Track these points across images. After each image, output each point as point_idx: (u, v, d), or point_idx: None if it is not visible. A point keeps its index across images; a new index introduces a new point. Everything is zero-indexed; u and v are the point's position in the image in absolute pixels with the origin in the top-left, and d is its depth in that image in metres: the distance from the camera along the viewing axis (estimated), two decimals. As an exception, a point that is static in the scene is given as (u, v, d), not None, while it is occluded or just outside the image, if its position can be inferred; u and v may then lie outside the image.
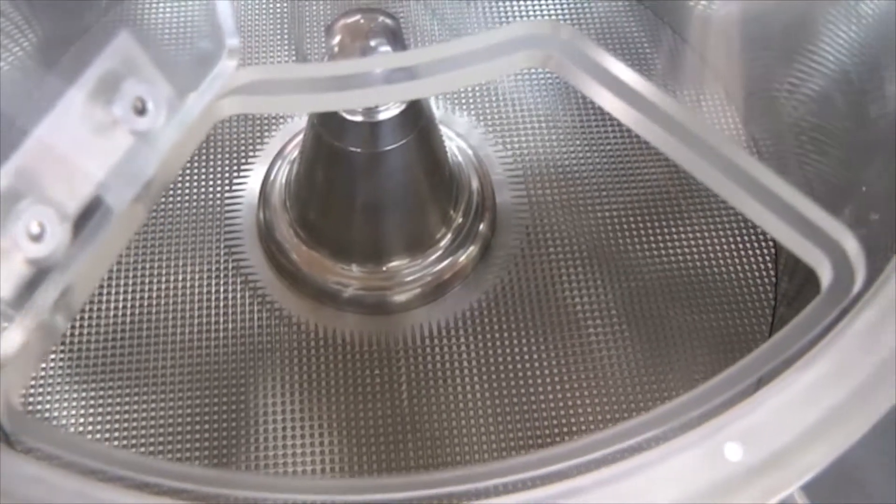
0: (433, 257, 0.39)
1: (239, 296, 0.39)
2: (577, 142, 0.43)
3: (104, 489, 0.20)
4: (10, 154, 0.20)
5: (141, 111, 0.22)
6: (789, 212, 0.24)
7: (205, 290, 0.39)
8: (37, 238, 0.20)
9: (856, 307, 0.22)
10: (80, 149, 0.21)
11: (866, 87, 0.34)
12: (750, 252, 0.40)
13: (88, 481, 0.20)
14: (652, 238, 0.40)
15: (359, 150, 0.35)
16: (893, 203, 0.30)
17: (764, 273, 0.39)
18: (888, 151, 0.32)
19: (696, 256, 0.39)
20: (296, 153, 0.41)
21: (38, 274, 0.21)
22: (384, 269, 0.38)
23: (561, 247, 0.40)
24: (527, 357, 0.37)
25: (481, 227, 0.40)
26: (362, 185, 0.36)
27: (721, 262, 0.39)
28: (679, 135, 0.25)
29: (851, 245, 0.23)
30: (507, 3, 0.46)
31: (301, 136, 0.39)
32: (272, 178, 0.41)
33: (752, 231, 0.40)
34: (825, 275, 0.23)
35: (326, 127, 0.35)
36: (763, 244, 0.40)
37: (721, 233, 0.40)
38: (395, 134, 0.34)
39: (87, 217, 0.22)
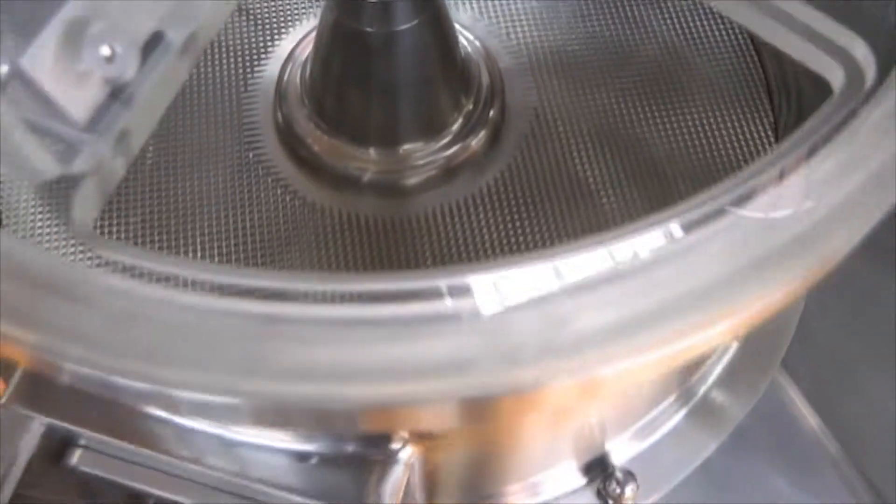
0: (445, 141, 0.40)
1: (262, 188, 0.40)
2: (578, 30, 0.44)
3: (188, 294, 0.22)
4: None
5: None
6: (799, 25, 0.25)
7: (228, 184, 0.40)
8: (109, 60, 0.22)
9: (867, 105, 0.24)
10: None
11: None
12: (750, 124, 0.41)
13: (172, 288, 0.22)
14: (657, 114, 0.42)
15: (373, 29, 0.36)
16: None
17: (765, 142, 0.41)
18: None
19: (700, 129, 0.41)
20: (306, 54, 0.42)
21: (107, 102, 0.23)
22: (400, 151, 0.40)
23: (570, 127, 0.41)
24: (544, 228, 0.39)
25: (491, 112, 0.41)
26: (378, 67, 0.37)
27: (723, 133, 0.41)
28: None
29: (861, 51, 0.25)
30: None
31: (312, 35, 0.41)
32: (286, 76, 0.42)
33: (750, 103, 0.42)
34: (837, 79, 0.25)
35: (343, 8, 0.36)
36: (762, 115, 0.41)
37: (721, 106, 0.42)
38: (408, 13, 0.36)
39: (151, 49, 0.23)
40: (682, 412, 0.41)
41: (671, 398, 0.40)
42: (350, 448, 0.28)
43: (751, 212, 0.23)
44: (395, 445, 0.28)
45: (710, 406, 0.42)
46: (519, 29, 0.44)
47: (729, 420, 0.43)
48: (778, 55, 0.34)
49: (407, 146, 0.40)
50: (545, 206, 0.40)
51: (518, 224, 0.39)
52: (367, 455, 0.29)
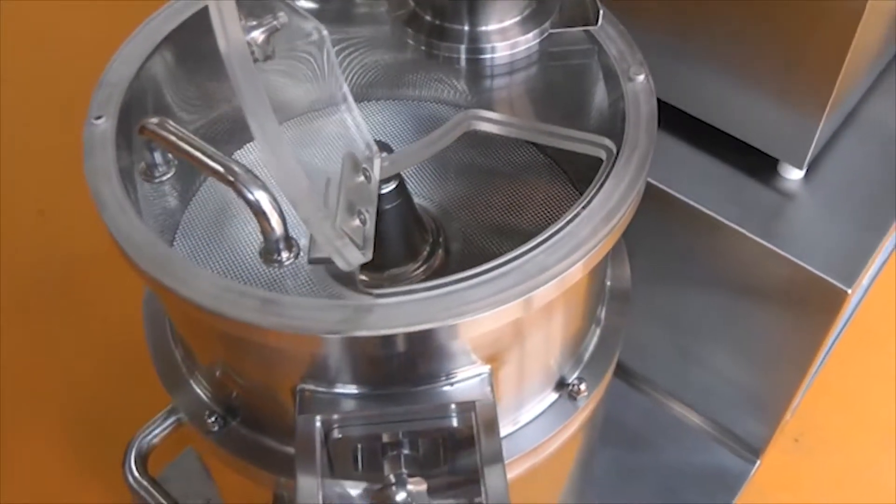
0: (421, 261, 0.74)
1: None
2: (465, 184, 0.81)
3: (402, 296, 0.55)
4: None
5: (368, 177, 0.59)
6: (584, 139, 0.63)
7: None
8: (363, 221, 0.56)
9: (615, 167, 0.61)
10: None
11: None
12: (566, 200, 0.78)
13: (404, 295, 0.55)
14: (519, 212, 0.78)
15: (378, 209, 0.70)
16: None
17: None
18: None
19: (542, 210, 0.77)
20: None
21: (363, 237, 0.57)
22: (401, 271, 0.73)
23: (480, 233, 0.77)
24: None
25: (441, 239, 0.76)
26: (385, 229, 0.71)
27: (557, 208, 0.78)
28: (522, 127, 0.64)
29: (608, 142, 0.62)
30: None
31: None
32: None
33: (562, 189, 0.79)
34: (602, 156, 0.62)
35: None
36: (571, 195, 0.78)
37: (549, 196, 0.78)
38: (393, 198, 0.70)
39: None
40: (581, 363, 0.75)
41: (574, 359, 0.74)
42: (462, 370, 0.61)
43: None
44: (483, 366, 0.61)
45: (591, 362, 0.75)
46: (436, 194, 0.80)
47: (603, 370, 0.75)
48: (575, 160, 0.71)
49: (404, 267, 0.73)
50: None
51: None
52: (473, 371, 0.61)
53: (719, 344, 1.06)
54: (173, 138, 0.57)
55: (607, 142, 0.63)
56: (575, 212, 0.59)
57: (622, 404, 1.20)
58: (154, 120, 0.59)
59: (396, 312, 0.54)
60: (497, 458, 0.59)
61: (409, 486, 0.57)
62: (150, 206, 0.67)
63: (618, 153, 0.62)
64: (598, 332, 0.77)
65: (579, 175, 0.78)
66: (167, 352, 0.75)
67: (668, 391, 1.19)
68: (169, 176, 0.64)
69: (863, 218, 0.88)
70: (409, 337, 0.54)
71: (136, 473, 0.76)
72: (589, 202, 0.59)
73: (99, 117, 0.65)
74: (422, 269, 0.74)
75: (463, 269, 0.74)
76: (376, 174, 0.63)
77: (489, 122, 0.66)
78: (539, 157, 0.81)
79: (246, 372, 0.65)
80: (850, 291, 0.86)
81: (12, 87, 1.80)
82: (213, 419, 0.70)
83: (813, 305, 0.91)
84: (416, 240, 0.74)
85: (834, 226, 0.89)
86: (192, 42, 0.70)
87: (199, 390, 0.72)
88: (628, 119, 0.63)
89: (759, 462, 1.13)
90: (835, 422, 1.31)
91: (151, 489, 0.75)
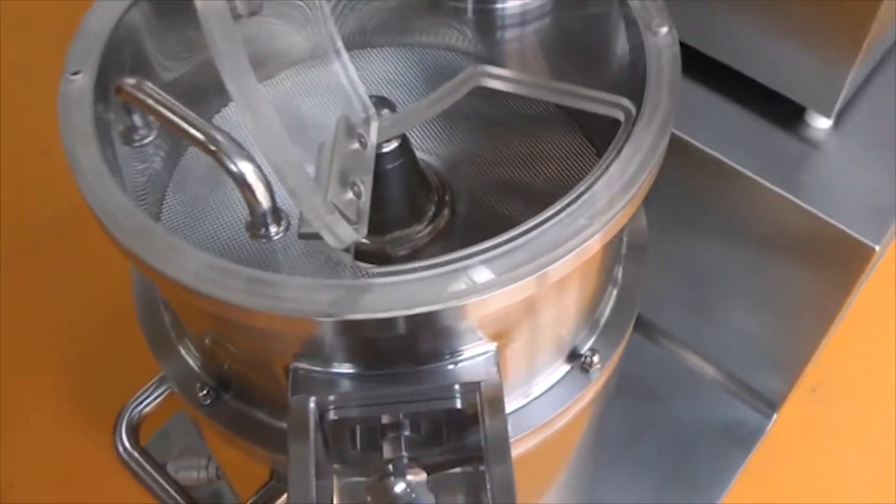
0: (428, 220, 0.70)
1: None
2: (474, 141, 0.76)
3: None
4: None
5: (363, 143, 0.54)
6: (600, 99, 0.58)
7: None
8: (357, 194, 0.51)
9: (634, 130, 0.56)
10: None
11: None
12: (585, 161, 0.73)
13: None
14: (530, 169, 0.73)
15: (380, 168, 0.66)
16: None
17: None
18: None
19: (555, 169, 0.73)
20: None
21: (359, 209, 0.52)
22: (408, 231, 0.69)
23: (488, 192, 0.72)
24: (499, 245, 0.69)
25: (447, 198, 0.72)
26: (389, 188, 0.67)
27: (575, 168, 0.73)
28: (534, 85, 0.59)
29: (626, 102, 0.57)
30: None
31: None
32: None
33: (580, 148, 0.74)
34: (621, 116, 0.57)
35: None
36: (589, 154, 0.74)
37: (564, 155, 0.74)
38: (396, 157, 0.66)
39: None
40: (597, 330, 0.71)
41: (588, 326, 0.70)
42: (466, 349, 0.57)
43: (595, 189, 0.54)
44: (489, 343, 0.57)
45: (606, 328, 0.71)
46: (442, 149, 0.75)
47: (619, 338, 0.72)
48: (592, 121, 0.66)
49: (410, 228, 0.69)
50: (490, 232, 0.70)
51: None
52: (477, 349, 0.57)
53: (737, 298, 1.02)
54: (151, 101, 0.52)
55: (626, 102, 0.58)
56: (591, 180, 0.54)
57: (636, 356, 1.16)
58: (131, 80, 0.54)
59: (395, 292, 0.50)
60: (503, 440, 0.55)
61: (409, 477, 0.53)
62: (134, 170, 0.63)
63: (637, 115, 0.57)
64: (614, 293, 0.73)
65: (595, 128, 0.73)
66: (155, 316, 0.71)
67: (683, 343, 1.15)
68: (150, 139, 0.59)
69: (892, 171, 0.83)
70: (409, 319, 0.50)
71: (127, 444, 0.73)
72: (606, 169, 0.54)
73: (76, 73, 0.60)
74: (427, 229, 0.70)
75: (470, 229, 0.70)
76: (373, 139, 0.58)
77: (498, 80, 0.61)
78: (552, 108, 0.76)
79: (236, 348, 0.61)
80: (877, 248, 0.82)
81: (14, 25, 1.74)
82: (204, 392, 0.66)
83: (837, 261, 0.87)
84: (420, 199, 0.70)
85: (861, 179, 0.84)
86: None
87: (189, 359, 0.69)
88: (649, 78, 0.58)
89: (775, 416, 1.10)
90: (853, 371, 1.27)
91: (142, 460, 0.73)
